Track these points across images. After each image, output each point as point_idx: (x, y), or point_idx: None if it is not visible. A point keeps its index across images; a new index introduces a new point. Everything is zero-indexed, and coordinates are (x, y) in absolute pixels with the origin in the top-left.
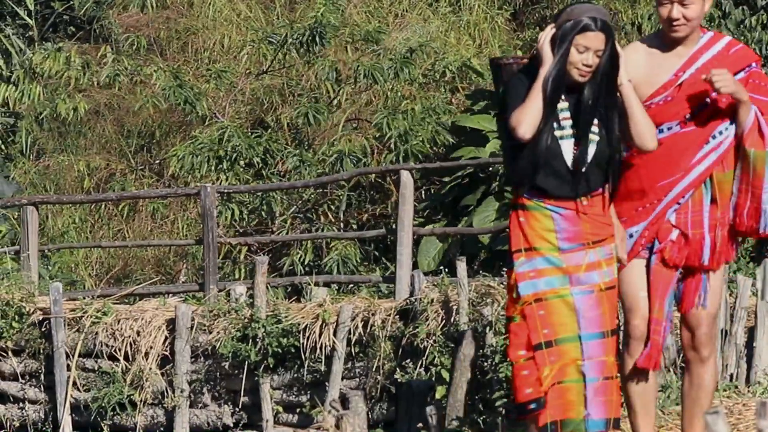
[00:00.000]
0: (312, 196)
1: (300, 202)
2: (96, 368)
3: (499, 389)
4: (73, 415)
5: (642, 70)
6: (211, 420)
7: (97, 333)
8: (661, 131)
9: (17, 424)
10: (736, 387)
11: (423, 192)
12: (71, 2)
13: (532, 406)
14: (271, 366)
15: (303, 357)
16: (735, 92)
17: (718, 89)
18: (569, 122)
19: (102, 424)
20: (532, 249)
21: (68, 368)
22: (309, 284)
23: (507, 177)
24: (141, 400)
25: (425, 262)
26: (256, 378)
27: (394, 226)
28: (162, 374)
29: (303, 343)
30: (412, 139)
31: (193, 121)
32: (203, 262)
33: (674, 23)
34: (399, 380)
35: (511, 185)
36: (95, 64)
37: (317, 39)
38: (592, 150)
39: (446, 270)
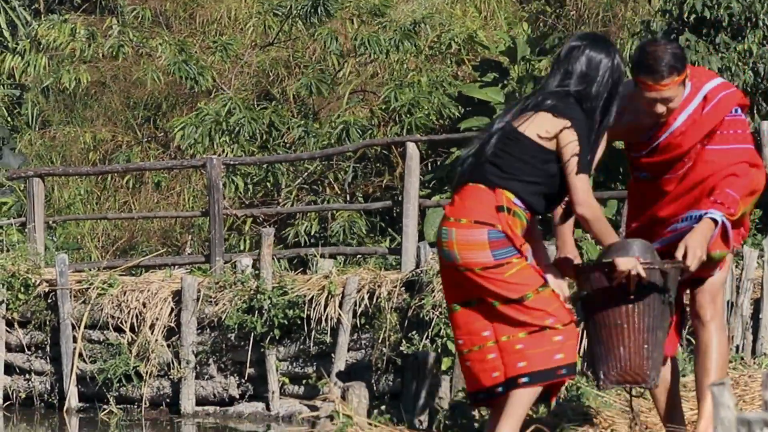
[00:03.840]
0: (318, 167)
1: (306, 174)
2: (102, 340)
3: None
4: (79, 386)
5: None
6: (217, 391)
7: (103, 305)
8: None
9: (23, 396)
10: (742, 358)
11: (429, 164)
12: None
13: (563, 371)
14: (277, 338)
15: (309, 329)
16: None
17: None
18: None
19: (108, 396)
20: None
21: (74, 340)
22: (315, 256)
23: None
24: (147, 372)
25: (431, 234)
26: (262, 350)
27: (400, 198)
28: (168, 346)
29: (309, 315)
30: (417, 112)
31: (199, 94)
32: (209, 234)
33: (658, 114)
34: (405, 352)
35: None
36: (101, 35)
37: (322, 10)
38: None
39: None
